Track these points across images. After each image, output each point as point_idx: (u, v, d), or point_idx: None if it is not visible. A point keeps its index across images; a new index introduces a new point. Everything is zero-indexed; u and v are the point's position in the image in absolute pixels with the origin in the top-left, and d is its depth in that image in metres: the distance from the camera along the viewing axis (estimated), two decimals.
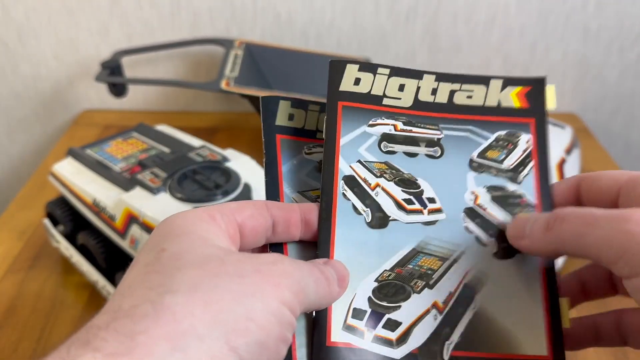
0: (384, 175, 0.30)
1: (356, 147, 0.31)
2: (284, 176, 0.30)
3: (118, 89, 0.74)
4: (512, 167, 0.30)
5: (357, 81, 0.32)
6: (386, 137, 0.31)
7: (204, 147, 0.57)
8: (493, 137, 0.31)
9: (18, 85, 0.88)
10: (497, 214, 0.29)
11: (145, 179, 0.51)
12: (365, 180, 0.30)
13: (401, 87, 0.32)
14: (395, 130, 0.31)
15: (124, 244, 0.50)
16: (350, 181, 0.30)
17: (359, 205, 0.29)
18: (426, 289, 0.28)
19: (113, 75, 0.74)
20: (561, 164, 0.55)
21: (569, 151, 0.57)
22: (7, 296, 0.55)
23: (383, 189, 0.30)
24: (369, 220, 0.29)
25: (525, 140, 0.31)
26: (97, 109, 0.91)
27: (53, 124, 0.92)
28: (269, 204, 0.28)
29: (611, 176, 0.27)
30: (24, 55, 0.85)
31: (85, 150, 0.58)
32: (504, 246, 0.28)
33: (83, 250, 0.56)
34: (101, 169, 0.55)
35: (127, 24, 0.83)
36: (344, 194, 0.30)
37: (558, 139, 0.59)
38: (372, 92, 0.31)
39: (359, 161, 0.30)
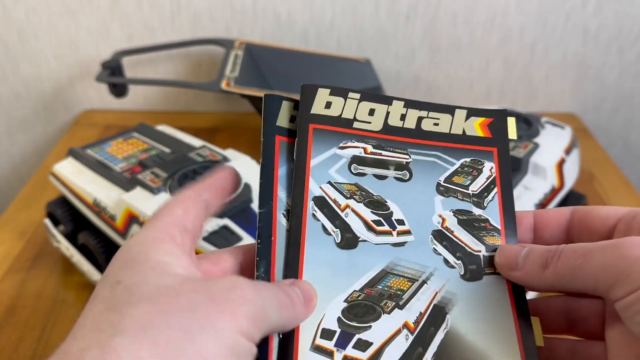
0: (354, 196, 0.31)
1: (326, 169, 0.31)
2: (280, 180, 0.30)
3: (118, 89, 0.74)
4: (477, 192, 0.31)
5: (328, 105, 0.32)
6: (356, 160, 0.31)
7: (204, 147, 0.57)
8: (458, 163, 0.32)
9: (19, 86, 0.88)
10: (463, 237, 0.30)
11: (145, 179, 0.51)
12: (335, 201, 0.30)
13: (371, 112, 0.32)
14: (366, 153, 0.32)
15: None
16: (320, 202, 0.30)
17: (329, 226, 0.30)
18: (396, 309, 0.28)
19: (113, 76, 0.74)
20: (560, 164, 0.56)
21: (568, 151, 0.57)
22: (8, 296, 0.55)
23: (353, 210, 0.30)
24: (339, 241, 0.29)
25: (489, 168, 0.32)
26: (97, 109, 0.91)
27: (53, 124, 0.92)
28: (199, 190, 0.28)
29: (607, 210, 0.28)
30: (25, 56, 0.85)
31: (85, 150, 0.58)
32: (472, 269, 0.29)
33: (83, 250, 0.56)
34: (102, 169, 0.55)
35: (127, 24, 0.83)
36: (313, 214, 0.30)
37: (557, 139, 0.59)
38: (342, 116, 0.32)
39: (329, 182, 0.31)
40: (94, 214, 0.53)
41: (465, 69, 0.86)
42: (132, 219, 0.48)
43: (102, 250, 0.53)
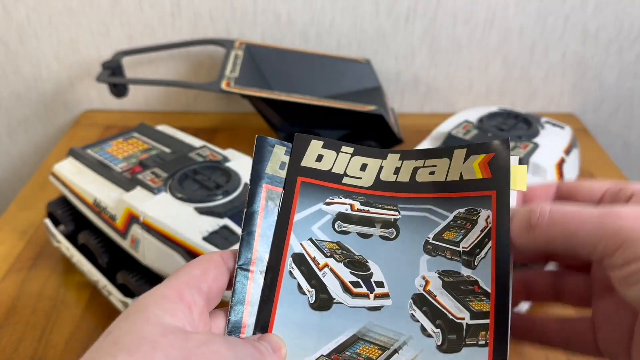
0: (334, 255, 0.29)
1: (310, 225, 0.30)
2: (262, 232, 0.29)
3: (119, 90, 0.74)
4: (468, 249, 0.28)
5: (319, 157, 0.31)
6: (341, 217, 0.30)
7: (205, 147, 0.57)
8: (451, 216, 0.29)
9: (19, 86, 0.88)
10: (446, 302, 0.27)
11: (145, 179, 0.51)
12: (314, 260, 0.29)
13: (363, 167, 0.31)
14: (352, 210, 0.30)
15: (125, 244, 0.50)
16: (299, 259, 0.29)
17: (304, 285, 0.29)
18: None
19: (114, 76, 0.74)
20: (560, 164, 0.56)
21: (568, 151, 0.58)
22: (8, 296, 0.55)
23: (331, 270, 0.29)
24: (312, 301, 0.28)
25: (485, 218, 0.28)
26: (98, 109, 0.91)
27: (54, 125, 0.92)
28: (224, 257, 0.28)
29: (592, 183, 0.29)
30: (25, 56, 0.86)
31: (86, 150, 0.59)
32: (451, 338, 0.26)
33: (84, 250, 0.56)
34: (102, 169, 0.55)
35: (127, 24, 0.83)
36: (290, 271, 0.29)
37: (557, 139, 0.59)
38: (333, 170, 0.31)
39: (311, 239, 0.30)
40: (94, 214, 0.53)
41: (465, 69, 0.86)
42: (133, 219, 0.48)
43: (102, 250, 0.53)
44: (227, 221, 0.47)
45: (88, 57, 0.86)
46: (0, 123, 0.92)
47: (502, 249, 0.27)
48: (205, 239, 0.45)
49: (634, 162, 0.94)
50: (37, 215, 0.66)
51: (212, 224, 0.46)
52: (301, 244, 0.29)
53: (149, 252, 0.48)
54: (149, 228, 0.47)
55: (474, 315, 0.26)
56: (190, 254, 0.45)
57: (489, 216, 0.28)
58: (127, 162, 0.56)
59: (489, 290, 0.26)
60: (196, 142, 0.59)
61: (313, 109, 0.68)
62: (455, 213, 0.29)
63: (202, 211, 0.47)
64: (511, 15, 0.81)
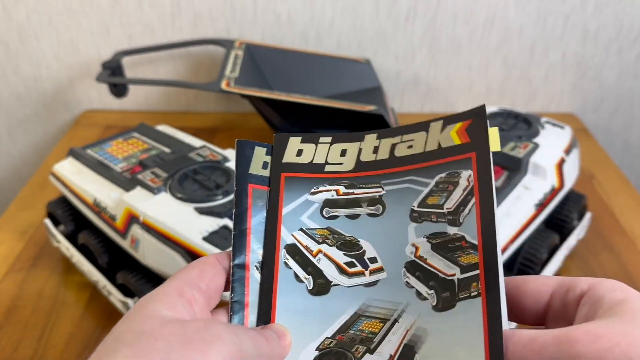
0: (326, 240, 0.30)
1: (298, 216, 0.31)
2: (253, 230, 0.30)
3: (119, 90, 0.74)
4: (452, 209, 0.29)
5: (299, 152, 0.32)
6: (328, 203, 0.31)
7: (205, 147, 0.57)
8: (433, 182, 0.30)
9: (19, 86, 0.88)
10: (436, 263, 0.28)
11: (145, 179, 0.51)
12: (307, 248, 0.30)
13: (343, 152, 0.32)
14: (338, 194, 0.31)
15: (125, 244, 0.50)
16: (292, 250, 0.30)
17: (301, 273, 0.30)
18: (367, 354, 0.27)
19: (114, 76, 0.74)
20: (560, 164, 0.56)
21: (568, 151, 0.58)
22: (8, 296, 0.55)
23: (325, 255, 0.30)
24: (311, 288, 0.29)
25: (466, 177, 0.29)
26: (98, 109, 0.91)
27: (54, 124, 0.92)
28: (219, 258, 0.29)
29: (536, 285, 0.27)
30: (25, 56, 0.86)
31: (86, 150, 0.59)
32: (445, 296, 0.27)
33: (84, 250, 0.56)
34: (102, 169, 0.55)
35: (127, 24, 0.83)
36: (285, 262, 0.30)
37: (557, 139, 0.59)
38: (314, 162, 0.32)
39: (301, 229, 0.31)
40: (94, 214, 0.53)
41: (465, 69, 0.86)
42: (132, 219, 0.48)
43: (102, 250, 0.53)
44: (227, 221, 0.47)
45: (88, 57, 0.86)
46: (0, 123, 0.92)
47: (486, 201, 0.27)
48: (205, 239, 0.45)
49: (634, 162, 0.94)
50: (37, 215, 0.66)
51: (212, 224, 0.46)
52: (292, 235, 0.30)
53: (149, 252, 0.48)
54: (149, 228, 0.47)
55: (464, 269, 0.27)
56: (190, 254, 0.45)
57: (470, 175, 0.28)
58: (127, 162, 0.56)
59: (476, 243, 0.27)
60: (196, 142, 0.59)
61: (313, 109, 0.68)
62: (436, 179, 0.30)
63: (202, 211, 0.47)
64: (511, 15, 0.81)
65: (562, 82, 0.87)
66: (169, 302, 0.26)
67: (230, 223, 0.47)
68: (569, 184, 0.57)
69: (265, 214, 0.30)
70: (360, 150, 0.32)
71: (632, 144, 0.93)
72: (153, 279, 0.49)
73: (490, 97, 0.89)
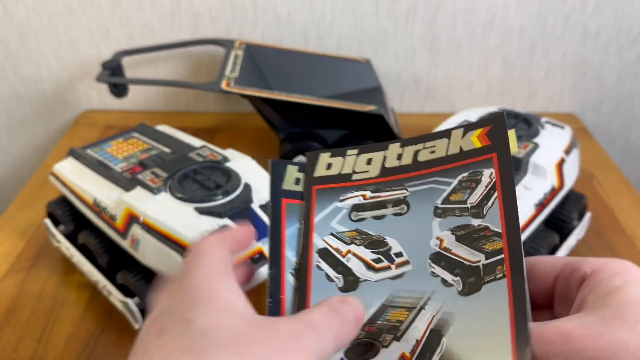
0: (355, 241, 0.32)
1: (329, 222, 0.33)
2: (288, 240, 0.32)
3: (119, 90, 0.74)
4: (475, 203, 0.30)
5: (329, 166, 0.34)
6: (356, 207, 0.33)
7: (205, 147, 0.57)
8: (456, 181, 0.31)
9: (19, 86, 0.88)
10: (461, 252, 0.29)
11: (145, 179, 0.51)
12: (337, 250, 0.32)
13: (369, 161, 0.34)
14: (364, 199, 0.33)
15: (125, 244, 0.50)
16: (324, 253, 0.32)
17: (332, 273, 0.31)
18: (394, 342, 0.28)
19: (114, 76, 0.74)
20: (560, 164, 0.56)
21: (568, 151, 0.57)
22: (8, 296, 0.55)
23: (354, 254, 0.32)
24: (341, 285, 0.31)
25: (488, 175, 0.30)
26: (97, 109, 0.91)
27: (54, 124, 0.92)
28: (222, 238, 0.29)
29: (544, 265, 0.28)
30: (25, 56, 0.86)
31: (86, 150, 0.59)
32: (470, 281, 0.28)
33: (84, 250, 0.56)
34: (102, 169, 0.55)
35: (127, 24, 0.83)
36: (318, 265, 0.31)
37: (557, 139, 0.59)
38: (342, 172, 0.34)
39: (332, 234, 0.32)
40: (94, 214, 0.53)
41: (465, 69, 0.86)
42: (133, 219, 0.48)
43: (102, 250, 0.53)
44: (227, 221, 0.47)
45: (88, 57, 0.86)
46: (0, 123, 0.92)
47: (508, 193, 0.29)
48: None
49: (634, 162, 0.94)
50: (37, 215, 0.66)
51: (212, 224, 0.46)
52: (324, 239, 0.32)
53: (149, 252, 0.48)
54: (148, 228, 0.47)
55: (489, 255, 0.28)
56: None
57: (492, 173, 0.30)
58: (127, 162, 0.56)
59: (500, 231, 0.29)
60: (196, 142, 0.59)
61: (313, 109, 0.68)
62: (459, 178, 0.31)
63: (202, 211, 0.47)
64: (511, 15, 0.81)
65: (562, 82, 0.87)
66: (234, 290, 0.25)
67: (230, 223, 0.47)
68: (569, 184, 0.57)
69: (298, 225, 0.33)
70: (384, 157, 0.34)
71: (632, 144, 0.93)
72: (153, 279, 0.49)
73: (490, 97, 0.89)
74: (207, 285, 0.25)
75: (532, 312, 0.27)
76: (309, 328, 0.25)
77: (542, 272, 0.27)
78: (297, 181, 0.34)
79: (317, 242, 0.32)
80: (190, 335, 0.22)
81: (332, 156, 0.35)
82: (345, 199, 0.33)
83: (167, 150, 0.58)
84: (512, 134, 0.31)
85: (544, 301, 0.28)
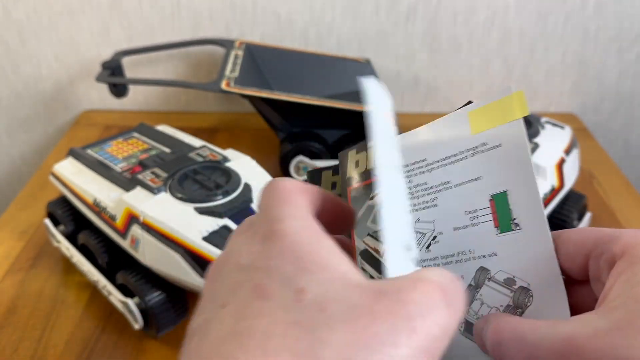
0: None
1: (365, 222, 0.33)
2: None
3: (119, 89, 0.74)
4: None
5: (357, 164, 0.34)
6: None
7: (205, 147, 0.57)
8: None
9: (19, 86, 0.88)
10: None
11: (145, 179, 0.51)
12: (376, 250, 0.32)
13: None
14: None
15: (125, 244, 0.50)
16: (366, 255, 0.32)
17: (374, 274, 0.31)
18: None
19: (114, 76, 0.74)
20: (560, 164, 0.56)
21: (568, 151, 0.58)
22: (8, 296, 0.55)
23: None
24: None
25: None
26: (97, 109, 0.91)
27: (54, 124, 0.92)
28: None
29: (574, 242, 0.25)
30: (25, 56, 0.86)
31: (86, 150, 0.59)
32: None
33: (84, 250, 0.56)
34: (102, 169, 0.55)
35: (127, 24, 0.83)
36: (362, 268, 0.32)
37: (557, 139, 0.59)
38: (367, 168, 0.34)
39: (369, 234, 0.32)
40: (94, 214, 0.53)
41: (465, 69, 0.86)
42: (132, 219, 0.48)
43: (102, 250, 0.53)
44: (227, 221, 0.47)
45: (88, 57, 0.86)
46: (0, 123, 0.92)
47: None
48: (205, 238, 0.45)
49: (634, 162, 0.94)
50: (37, 215, 0.66)
51: (212, 224, 0.46)
52: (363, 241, 0.32)
53: (149, 252, 0.48)
54: (148, 228, 0.47)
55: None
56: (190, 254, 0.45)
57: None
58: (127, 162, 0.56)
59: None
60: (196, 142, 0.59)
61: (313, 109, 0.68)
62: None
63: (202, 211, 0.47)
64: (511, 15, 0.81)
65: (562, 82, 0.87)
66: (340, 254, 0.21)
67: (230, 223, 0.47)
68: (569, 184, 0.57)
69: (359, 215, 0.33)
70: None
71: (632, 144, 0.93)
72: (153, 279, 0.49)
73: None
74: (309, 246, 0.21)
75: (571, 287, 0.24)
76: (445, 304, 0.19)
77: (574, 252, 0.24)
78: (334, 185, 0.34)
79: (358, 244, 0.32)
80: (302, 307, 0.18)
81: (357, 152, 0.34)
82: (375, 196, 0.33)
83: (167, 150, 0.58)
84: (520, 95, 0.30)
85: (582, 278, 0.25)
